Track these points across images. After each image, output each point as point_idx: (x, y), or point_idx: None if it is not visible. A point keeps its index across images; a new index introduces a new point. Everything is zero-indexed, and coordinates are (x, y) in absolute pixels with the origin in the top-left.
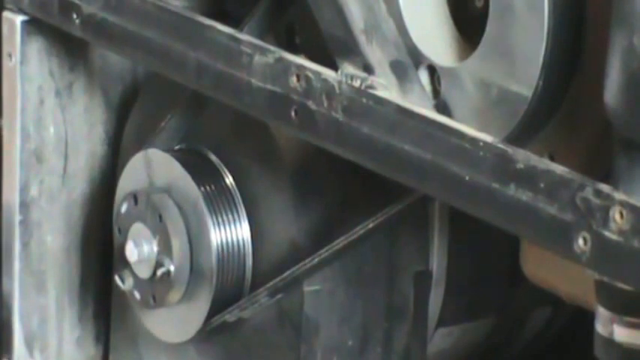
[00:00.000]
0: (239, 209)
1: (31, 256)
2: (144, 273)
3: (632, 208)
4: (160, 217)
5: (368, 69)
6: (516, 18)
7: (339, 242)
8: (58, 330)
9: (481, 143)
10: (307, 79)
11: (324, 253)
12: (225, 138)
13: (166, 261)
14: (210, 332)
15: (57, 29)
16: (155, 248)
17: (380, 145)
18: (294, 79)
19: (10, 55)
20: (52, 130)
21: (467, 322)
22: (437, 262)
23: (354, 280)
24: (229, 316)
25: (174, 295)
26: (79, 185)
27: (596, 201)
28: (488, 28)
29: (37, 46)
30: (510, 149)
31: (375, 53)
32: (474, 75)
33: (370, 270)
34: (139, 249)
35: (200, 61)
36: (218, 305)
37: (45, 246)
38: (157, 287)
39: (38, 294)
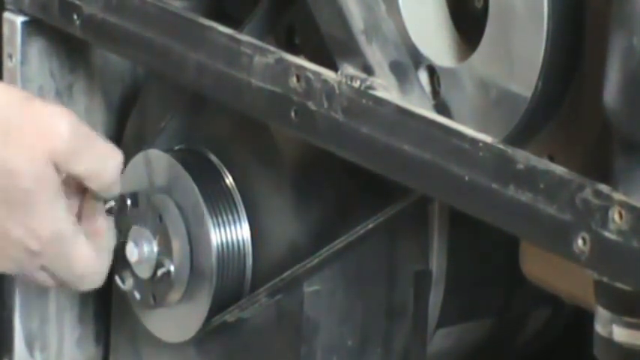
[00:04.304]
0: (239, 209)
1: None
2: (144, 273)
3: (631, 208)
4: (160, 217)
5: (368, 70)
6: (516, 19)
7: (339, 242)
8: (58, 330)
9: (481, 144)
10: (307, 80)
11: (324, 253)
12: (225, 138)
13: (166, 261)
14: (210, 332)
15: (57, 30)
16: (155, 248)
17: (380, 145)
18: (294, 79)
19: (10, 56)
20: None
21: (467, 322)
22: (437, 262)
23: (354, 280)
24: (229, 316)
25: (174, 295)
26: None
27: (595, 201)
28: (487, 29)
29: (37, 47)
30: (510, 150)
31: (374, 54)
32: (473, 75)
33: (370, 270)
34: (139, 249)
35: (200, 62)
36: (218, 305)
37: None
38: (157, 287)
39: (38, 294)
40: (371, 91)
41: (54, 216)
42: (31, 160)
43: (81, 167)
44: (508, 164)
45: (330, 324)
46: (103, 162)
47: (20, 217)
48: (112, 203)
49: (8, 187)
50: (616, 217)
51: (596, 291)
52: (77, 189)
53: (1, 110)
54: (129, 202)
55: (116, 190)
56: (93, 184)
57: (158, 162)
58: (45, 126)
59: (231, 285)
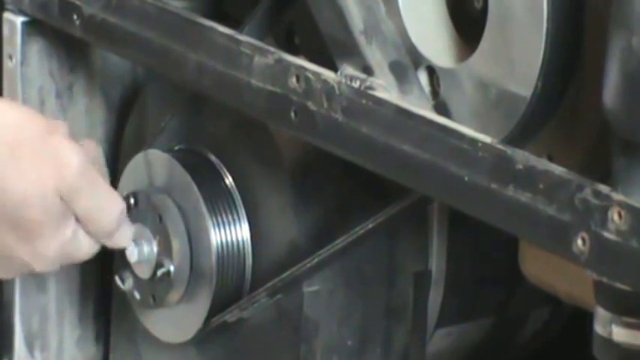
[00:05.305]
0: (239, 209)
1: None
2: (144, 273)
3: (630, 208)
4: (160, 217)
5: (367, 70)
6: (515, 19)
7: (339, 242)
8: (58, 330)
9: (480, 144)
10: (307, 80)
11: (323, 253)
12: (225, 138)
13: (166, 261)
14: (210, 332)
15: (57, 30)
16: (155, 249)
17: (379, 145)
18: (293, 79)
19: (10, 56)
20: None
21: (466, 322)
22: (436, 262)
23: (353, 281)
24: (229, 316)
25: (174, 295)
26: None
27: (594, 201)
28: (487, 29)
29: (37, 47)
30: (509, 150)
31: (374, 54)
32: (473, 76)
33: (370, 270)
34: (139, 249)
35: (200, 62)
36: (218, 305)
37: None
38: (156, 287)
39: (38, 294)
40: (370, 92)
41: (60, 241)
42: (43, 193)
43: (78, 207)
44: (507, 164)
45: (330, 324)
46: (99, 208)
47: (27, 242)
48: None
49: (17, 215)
50: (615, 217)
51: (595, 291)
52: None
53: (22, 138)
54: (132, 201)
55: (121, 242)
56: (89, 228)
57: (158, 162)
58: (58, 158)
59: (231, 285)
